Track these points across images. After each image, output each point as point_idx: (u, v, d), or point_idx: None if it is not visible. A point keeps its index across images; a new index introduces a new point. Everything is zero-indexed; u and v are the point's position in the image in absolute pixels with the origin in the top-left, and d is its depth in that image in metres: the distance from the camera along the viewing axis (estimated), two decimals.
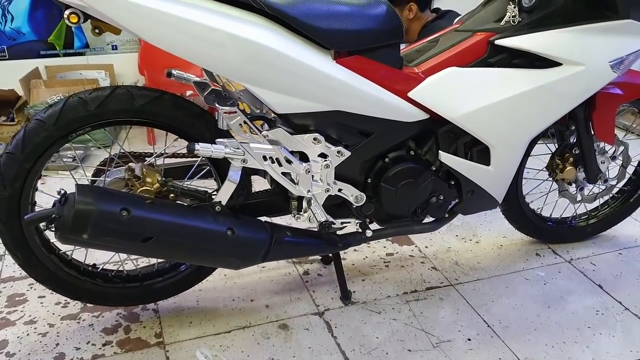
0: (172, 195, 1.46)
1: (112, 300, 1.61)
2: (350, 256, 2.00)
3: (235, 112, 1.35)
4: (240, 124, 1.37)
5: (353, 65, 1.43)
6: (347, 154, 1.50)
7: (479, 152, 1.62)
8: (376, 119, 1.49)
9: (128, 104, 1.37)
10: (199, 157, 1.48)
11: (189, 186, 1.50)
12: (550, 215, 2.07)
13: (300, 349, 1.58)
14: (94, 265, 1.60)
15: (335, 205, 1.62)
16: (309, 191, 1.50)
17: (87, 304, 1.70)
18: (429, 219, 1.74)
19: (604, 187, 1.99)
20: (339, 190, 1.55)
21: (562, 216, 2.08)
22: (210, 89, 1.54)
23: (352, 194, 1.57)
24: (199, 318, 1.69)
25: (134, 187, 1.42)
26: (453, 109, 1.53)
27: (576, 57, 1.54)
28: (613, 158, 1.92)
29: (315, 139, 1.45)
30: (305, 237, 1.55)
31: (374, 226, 1.68)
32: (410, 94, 1.51)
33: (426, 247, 2.07)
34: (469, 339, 1.63)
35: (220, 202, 1.41)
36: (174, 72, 1.62)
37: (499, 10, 1.59)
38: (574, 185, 1.94)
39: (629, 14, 1.54)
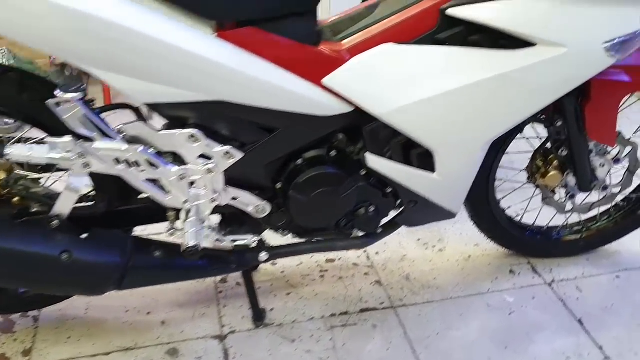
0: (16, 199, 1.16)
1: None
2: (283, 261, 1.68)
3: (69, 101, 1.02)
4: (79, 117, 1.04)
5: (242, 40, 1.06)
6: (239, 155, 1.16)
7: (419, 155, 1.24)
8: (278, 112, 1.14)
9: None
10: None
11: (46, 187, 1.19)
12: (534, 223, 1.68)
13: None
14: None
15: (242, 213, 1.29)
16: (186, 201, 1.17)
17: None
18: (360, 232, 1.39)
19: (603, 195, 1.58)
20: (233, 199, 1.22)
21: (549, 225, 1.69)
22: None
23: (251, 204, 1.24)
24: (80, 333, 1.43)
25: None
26: (381, 102, 1.16)
27: (555, 36, 1.12)
28: (616, 161, 1.51)
29: (192, 136, 1.11)
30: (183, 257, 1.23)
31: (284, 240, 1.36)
32: (325, 80, 1.13)
33: (377, 253, 1.73)
34: None
35: (58, 215, 1.10)
36: None
37: None
38: (563, 190, 1.54)
39: None
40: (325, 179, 1.23)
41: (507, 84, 1.15)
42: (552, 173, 1.45)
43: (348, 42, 1.16)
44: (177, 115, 1.12)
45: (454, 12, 1.12)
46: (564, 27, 1.11)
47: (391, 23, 1.17)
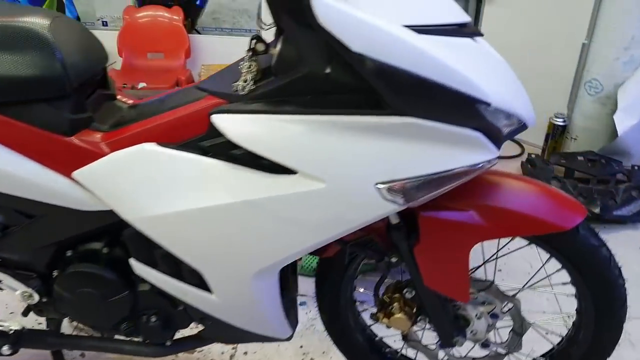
0: None
1: None
2: None
3: None
4: None
5: None
6: None
7: (190, 272, 1.06)
8: (25, 199, 1.05)
9: None
10: None
11: None
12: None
13: None
14: None
15: None
16: None
17: None
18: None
19: (486, 353, 1.25)
20: None
21: None
22: None
23: (18, 289, 1.16)
24: None
25: None
26: (133, 206, 1.01)
27: (313, 168, 0.89)
28: (494, 316, 1.18)
29: None
30: None
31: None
32: (76, 174, 1.02)
33: (246, 353, 1.54)
34: None
35: None
36: None
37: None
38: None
39: (407, 109, 0.84)
40: (89, 278, 1.12)
41: (262, 211, 0.94)
42: (397, 316, 1.17)
43: (114, 135, 1.04)
44: None
45: (215, 119, 0.95)
46: (321, 159, 0.88)
47: (165, 119, 1.02)
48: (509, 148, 2.71)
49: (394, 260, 1.11)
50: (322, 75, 0.87)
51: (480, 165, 0.89)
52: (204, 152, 0.98)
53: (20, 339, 1.22)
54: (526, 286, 1.20)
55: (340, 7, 0.80)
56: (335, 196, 0.89)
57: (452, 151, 0.87)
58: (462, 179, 0.90)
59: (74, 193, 1.03)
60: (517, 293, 1.17)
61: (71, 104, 1.03)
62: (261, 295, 1.07)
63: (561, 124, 2.50)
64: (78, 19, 2.87)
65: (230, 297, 1.07)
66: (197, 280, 1.07)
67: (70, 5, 2.81)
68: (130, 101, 1.16)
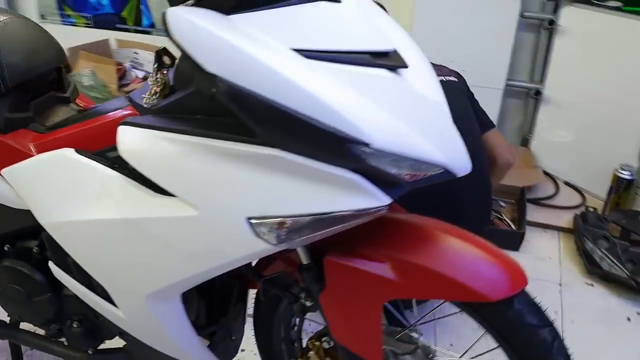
0: None
1: None
2: None
3: None
4: None
5: None
6: None
7: (97, 283, 1.04)
8: None
9: None
10: None
11: None
12: None
13: None
14: None
15: None
16: None
17: None
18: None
19: None
20: None
21: None
22: None
23: None
24: None
25: None
26: (45, 210, 1.02)
27: (188, 193, 0.83)
28: None
29: None
30: None
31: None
32: (4, 172, 1.05)
33: None
34: None
35: None
36: None
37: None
38: None
39: (272, 139, 0.75)
40: (16, 275, 1.14)
41: (141, 232, 0.90)
42: None
43: (44, 137, 1.06)
44: None
45: (119, 130, 0.92)
46: (195, 185, 0.82)
47: (88, 126, 1.03)
48: (568, 196, 2.43)
49: (308, 304, 1.02)
50: (208, 95, 0.81)
51: (364, 211, 0.78)
52: (112, 162, 0.96)
53: None
54: (465, 356, 1.05)
55: (193, 20, 0.74)
56: (206, 226, 0.83)
57: (330, 193, 0.76)
58: (345, 224, 0.80)
59: (3, 190, 1.06)
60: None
61: (9, 103, 1.06)
62: (163, 319, 1.02)
63: (627, 177, 2.20)
64: (153, 25, 3.04)
65: (134, 316, 1.04)
66: (105, 292, 1.04)
67: (147, 12, 2.99)
68: (83, 105, 1.18)
